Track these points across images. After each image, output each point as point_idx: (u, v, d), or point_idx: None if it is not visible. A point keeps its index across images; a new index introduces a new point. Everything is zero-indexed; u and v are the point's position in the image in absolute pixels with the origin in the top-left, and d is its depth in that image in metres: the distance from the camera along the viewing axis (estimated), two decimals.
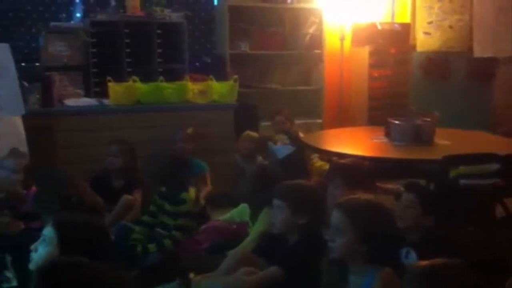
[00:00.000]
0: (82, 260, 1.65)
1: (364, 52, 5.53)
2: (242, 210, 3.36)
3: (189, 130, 4.35)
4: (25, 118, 3.79)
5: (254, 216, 3.16)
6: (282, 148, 3.99)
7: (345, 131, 4.68)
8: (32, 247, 2.03)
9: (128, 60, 4.83)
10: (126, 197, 3.68)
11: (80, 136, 4.17)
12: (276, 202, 2.53)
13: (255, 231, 2.96)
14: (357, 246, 2.09)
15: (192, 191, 3.40)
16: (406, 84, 5.68)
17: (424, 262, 1.79)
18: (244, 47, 5.40)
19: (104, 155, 3.86)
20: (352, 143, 3.97)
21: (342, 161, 3.18)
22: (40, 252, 2.00)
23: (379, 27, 5.51)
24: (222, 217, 3.45)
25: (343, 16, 5.67)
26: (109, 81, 4.40)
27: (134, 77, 4.46)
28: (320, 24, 5.63)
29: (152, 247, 3.09)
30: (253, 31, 5.51)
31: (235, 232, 3.16)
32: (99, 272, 1.61)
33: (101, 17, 4.85)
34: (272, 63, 5.66)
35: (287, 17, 5.66)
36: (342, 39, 5.69)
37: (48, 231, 2.01)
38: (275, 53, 5.55)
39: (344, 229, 2.12)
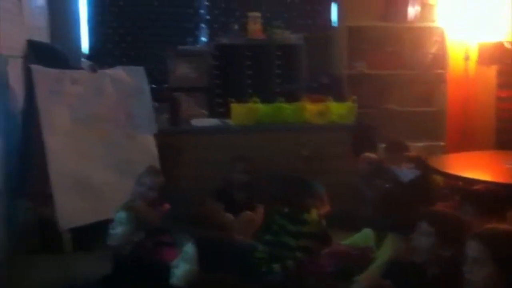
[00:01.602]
0: (225, 277, 1.73)
1: (491, 72, 5.27)
2: (366, 235, 3.30)
3: (306, 152, 4.38)
4: (155, 136, 4.03)
5: (378, 241, 3.10)
6: (407, 171, 3.88)
7: (473, 155, 4.45)
8: (174, 263, 2.16)
9: (249, 81, 4.98)
10: (247, 214, 3.79)
11: (205, 154, 4.34)
12: (424, 226, 2.42)
13: (381, 257, 2.90)
14: (497, 279, 1.98)
15: (313, 212, 3.40)
16: None
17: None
18: (362, 67, 5.36)
19: (226, 172, 4.00)
20: (482, 168, 3.78)
21: (474, 187, 3.04)
22: (182, 268, 2.12)
23: (507, 46, 5.23)
24: (345, 241, 3.42)
25: (467, 35, 5.45)
26: (232, 102, 4.57)
27: (255, 98, 4.59)
28: (442, 43, 5.46)
29: (276, 267, 3.13)
30: (371, 51, 5.45)
31: (359, 257, 3.12)
32: None
33: (224, 40, 5.06)
34: (390, 83, 5.55)
35: (407, 36, 5.54)
36: (466, 58, 5.47)
37: (189, 248, 2.13)
38: (393, 73, 5.45)
39: (483, 261, 2.01)
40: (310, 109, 4.64)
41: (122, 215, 2.88)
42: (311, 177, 4.15)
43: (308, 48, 5.32)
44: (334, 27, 5.62)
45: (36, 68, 3.38)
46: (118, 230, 2.86)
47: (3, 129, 3.23)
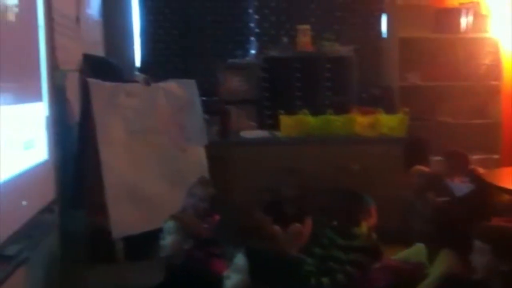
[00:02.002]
0: None
1: None
2: (418, 250, 3.23)
3: (356, 165, 4.33)
4: (206, 148, 4.08)
5: (431, 257, 3.02)
6: (461, 185, 3.78)
7: None
8: (225, 274, 2.17)
9: (298, 93, 4.99)
10: (295, 226, 3.78)
11: (254, 166, 4.36)
12: (477, 244, 2.37)
13: (434, 273, 2.83)
14: None
15: (364, 226, 3.36)
16: None
17: None
18: (414, 79, 5.28)
19: (275, 184, 4.00)
20: None
21: None
22: (233, 279, 2.12)
23: None
24: (397, 255, 3.35)
25: None
26: (281, 114, 4.58)
27: (304, 110, 4.58)
28: (496, 54, 5.32)
29: (325, 280, 3.10)
30: (423, 62, 5.36)
31: (411, 272, 3.05)
32: None
33: (274, 53, 5.09)
34: (443, 95, 5.43)
35: (460, 47, 5.42)
36: None
37: (240, 259, 2.13)
38: (446, 84, 5.33)
39: None
40: (360, 121, 4.60)
41: (170, 224, 2.92)
42: (361, 190, 4.11)
43: (358, 59, 5.29)
44: (384, 39, 5.57)
45: (92, 81, 3.49)
46: (167, 240, 2.91)
47: (60, 141, 3.34)
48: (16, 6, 2.58)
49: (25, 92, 2.73)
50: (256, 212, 2.92)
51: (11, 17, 2.53)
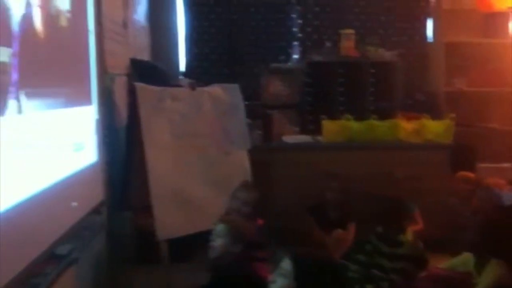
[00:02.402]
0: None
1: None
2: (465, 259, 3.14)
3: (400, 171, 4.26)
4: (248, 152, 4.10)
5: (479, 267, 2.94)
6: (509, 194, 3.68)
7: None
8: (270, 278, 2.18)
9: (341, 98, 4.96)
10: (338, 232, 3.75)
11: (296, 171, 4.35)
12: None
13: (483, 283, 2.75)
14: None
15: (409, 234, 3.32)
16: None
17: None
18: (460, 84, 5.18)
19: (318, 188, 3.98)
20: None
21: None
22: (279, 283, 2.13)
23: None
24: (443, 264, 3.28)
25: None
26: (323, 119, 4.55)
27: (347, 115, 4.55)
28: None
29: None
30: (469, 67, 5.27)
31: (459, 282, 2.98)
32: None
33: (317, 58, 5.08)
34: (490, 101, 5.31)
35: (508, 52, 5.28)
36: None
37: (286, 264, 2.14)
38: (493, 90, 5.21)
39: None
40: (405, 127, 4.53)
41: (221, 228, 2.95)
42: (406, 197, 4.05)
43: (403, 64, 5.22)
44: (430, 43, 5.48)
45: (139, 85, 3.56)
46: (217, 242, 2.94)
47: (108, 143, 3.41)
48: (68, 11, 2.65)
49: (76, 95, 2.81)
50: (306, 217, 2.91)
51: (63, 22, 2.60)
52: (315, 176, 4.17)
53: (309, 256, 2.17)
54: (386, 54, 5.12)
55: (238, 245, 2.96)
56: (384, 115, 4.68)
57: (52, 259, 2.36)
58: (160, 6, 5.24)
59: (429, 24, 5.49)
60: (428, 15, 5.48)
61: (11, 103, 1.96)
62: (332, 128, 4.55)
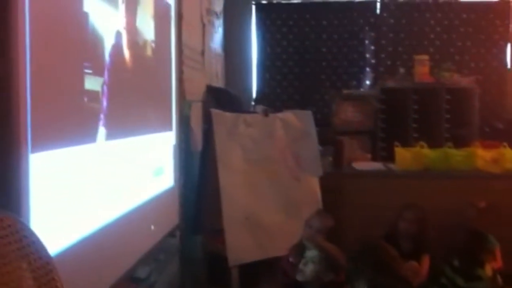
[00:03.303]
0: None
1: None
2: None
3: (482, 204, 4.10)
4: (319, 178, 4.07)
5: None
6: None
7: None
8: None
9: (415, 125, 4.86)
10: (412, 263, 3.63)
11: (367, 199, 4.28)
12: None
13: None
14: None
15: (488, 268, 3.18)
16: None
17: None
18: None
19: (390, 218, 3.89)
20: None
21: None
22: None
23: None
24: None
25: None
26: (396, 146, 4.47)
27: (421, 143, 4.44)
28: None
29: None
30: None
31: None
32: None
33: (390, 84, 5.01)
34: None
35: None
36: None
37: None
38: None
39: None
40: (483, 155, 4.37)
41: (315, 253, 2.97)
42: (485, 229, 3.88)
43: (481, 91, 5.06)
44: (509, 69, 5.29)
45: (215, 111, 3.64)
46: (309, 267, 2.95)
47: (184, 167, 3.50)
48: (153, 41, 2.77)
49: (159, 122, 2.91)
50: (390, 248, 2.83)
51: (148, 51, 2.72)
52: (387, 204, 4.08)
53: (391, 285, 2.11)
54: (462, 80, 4.98)
55: (329, 273, 2.95)
56: (460, 143, 4.54)
57: (131, 282, 2.43)
58: (234, 34, 5.37)
59: (508, 50, 5.31)
60: (508, 40, 5.30)
61: (101, 130, 2.06)
62: (405, 156, 4.46)
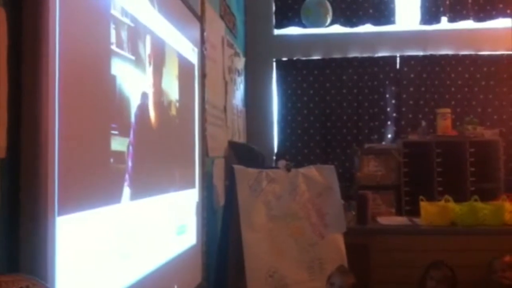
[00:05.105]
0: None
1: None
2: None
3: (508, 258, 3.97)
4: (343, 235, 4.00)
5: None
6: None
7: None
8: None
9: (439, 179, 4.79)
10: None
11: (393, 256, 4.19)
12: None
13: None
14: None
15: None
16: None
17: None
18: None
19: (417, 275, 3.79)
20: None
21: None
22: None
23: None
24: None
25: None
26: (421, 200, 4.41)
27: (447, 197, 4.38)
28: None
29: None
30: None
31: None
32: None
33: (412, 137, 5.00)
34: None
35: None
36: None
37: None
38: None
39: None
40: (510, 209, 4.29)
41: None
42: None
43: (505, 143, 5.00)
44: None
45: (238, 168, 3.64)
46: None
47: (207, 224, 3.48)
48: (177, 100, 2.82)
49: (183, 180, 2.92)
50: None
51: (173, 111, 2.76)
52: (414, 261, 3.98)
53: None
54: (486, 133, 4.94)
55: None
56: (486, 197, 4.47)
57: None
58: (256, 90, 5.45)
59: None
60: None
61: (125, 190, 2.07)
62: (431, 210, 4.39)
